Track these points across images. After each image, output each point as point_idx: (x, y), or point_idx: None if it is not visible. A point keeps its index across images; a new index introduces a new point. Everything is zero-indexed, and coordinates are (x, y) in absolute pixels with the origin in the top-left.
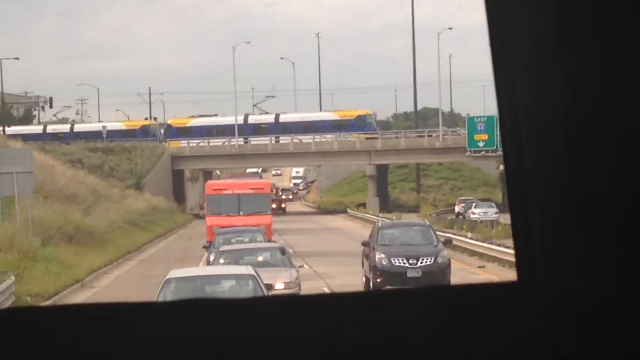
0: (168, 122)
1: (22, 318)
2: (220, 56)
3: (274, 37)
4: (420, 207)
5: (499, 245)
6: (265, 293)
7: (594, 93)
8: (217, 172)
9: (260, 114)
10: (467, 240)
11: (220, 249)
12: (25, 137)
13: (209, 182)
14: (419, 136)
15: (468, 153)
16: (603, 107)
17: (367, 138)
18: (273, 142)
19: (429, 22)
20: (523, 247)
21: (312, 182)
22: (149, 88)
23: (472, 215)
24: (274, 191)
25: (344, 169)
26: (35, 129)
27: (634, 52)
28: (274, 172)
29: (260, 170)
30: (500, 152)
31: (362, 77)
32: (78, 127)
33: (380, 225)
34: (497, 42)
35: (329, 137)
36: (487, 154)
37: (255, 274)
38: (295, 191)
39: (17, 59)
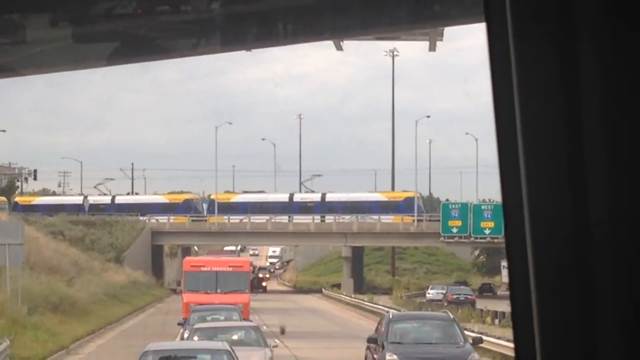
0: (212, 197)
1: None
2: (202, 133)
3: (255, 116)
4: (392, 290)
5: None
6: None
7: (597, 185)
8: (195, 248)
9: (305, 192)
10: None
11: (195, 327)
12: (65, 208)
13: (187, 258)
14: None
15: (442, 238)
16: (606, 202)
17: (414, 220)
18: (317, 221)
19: (409, 106)
20: (524, 342)
21: (288, 261)
22: (132, 164)
23: (427, 295)
24: (253, 270)
25: (321, 250)
26: (75, 199)
27: None
28: (251, 252)
29: (239, 247)
30: (473, 239)
31: (343, 160)
32: (119, 199)
33: (390, 317)
34: (502, 128)
35: (346, 217)
36: (460, 240)
37: (230, 349)
38: (272, 270)
39: (4, 131)
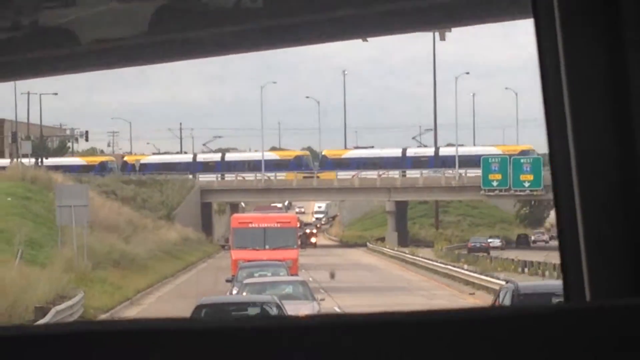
0: (323, 153)
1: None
2: (247, 91)
3: (298, 72)
4: (434, 243)
5: (487, 276)
6: None
7: None
8: (242, 204)
9: (418, 146)
10: (462, 271)
11: (244, 282)
12: (176, 167)
13: (235, 215)
14: None
15: (482, 192)
16: None
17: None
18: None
19: (454, 58)
20: (571, 270)
21: (334, 217)
22: (180, 123)
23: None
24: (300, 225)
25: (366, 205)
26: (185, 157)
27: None
28: (297, 209)
29: (287, 203)
30: (513, 192)
31: (388, 114)
32: (229, 157)
33: (519, 291)
34: (548, 83)
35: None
36: (501, 193)
37: (279, 302)
38: (318, 225)
39: (56, 94)
